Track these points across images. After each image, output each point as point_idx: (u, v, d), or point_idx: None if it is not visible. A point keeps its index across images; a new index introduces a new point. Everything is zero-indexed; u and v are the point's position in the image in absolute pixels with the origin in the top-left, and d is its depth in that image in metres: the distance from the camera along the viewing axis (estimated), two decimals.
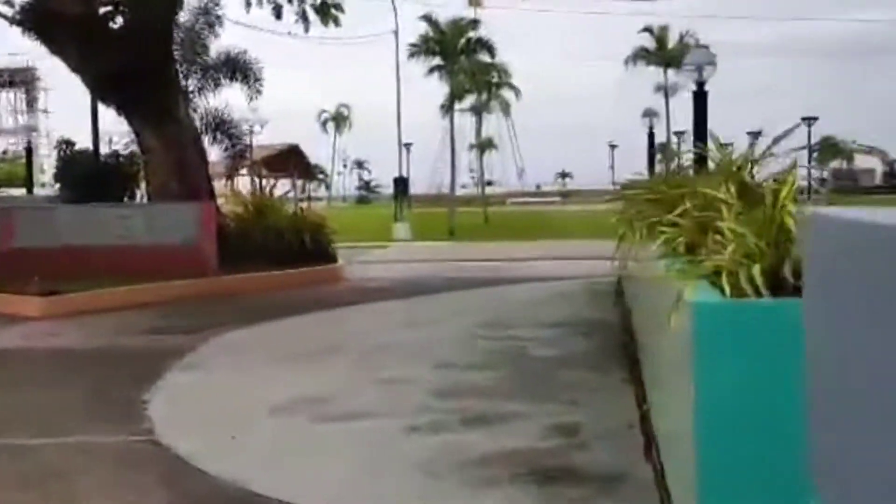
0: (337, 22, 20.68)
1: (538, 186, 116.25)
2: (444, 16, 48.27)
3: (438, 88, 50.24)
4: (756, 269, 4.45)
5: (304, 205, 28.42)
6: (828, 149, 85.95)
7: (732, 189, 6.91)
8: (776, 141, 7.31)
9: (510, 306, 15.70)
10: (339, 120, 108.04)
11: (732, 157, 7.24)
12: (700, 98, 11.18)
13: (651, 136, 23.62)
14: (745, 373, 4.27)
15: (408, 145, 50.56)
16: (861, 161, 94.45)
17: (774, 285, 4.45)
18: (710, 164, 8.77)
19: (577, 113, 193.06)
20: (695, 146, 10.32)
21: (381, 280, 20.19)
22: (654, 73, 61.89)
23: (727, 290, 4.42)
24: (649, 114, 24.61)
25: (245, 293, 16.82)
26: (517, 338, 12.13)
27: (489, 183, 79.05)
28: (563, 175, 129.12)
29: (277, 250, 19.15)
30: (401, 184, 42.80)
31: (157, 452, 7.23)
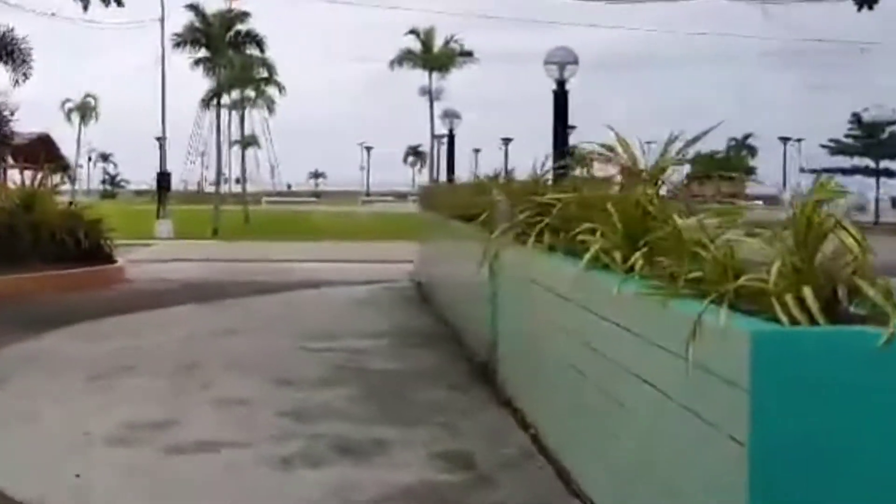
0: (120, 2, 19.13)
1: (289, 186, 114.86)
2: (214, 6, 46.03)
3: (193, 81, 48.25)
4: (808, 292, 3.82)
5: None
6: (575, 157, 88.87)
7: (655, 199, 6.38)
8: (688, 144, 6.84)
9: (322, 313, 14.74)
10: (85, 110, 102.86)
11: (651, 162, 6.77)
12: (561, 98, 10.64)
13: (451, 138, 22.79)
14: (814, 411, 3.67)
15: (162, 140, 48.32)
16: (601, 170, 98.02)
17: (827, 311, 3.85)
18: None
19: (330, 112, 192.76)
20: (555, 151, 9.77)
21: (167, 282, 18.73)
22: (418, 76, 61.70)
23: (782, 317, 3.77)
24: (450, 114, 23.43)
25: (21, 297, 15.09)
26: (348, 349, 11.24)
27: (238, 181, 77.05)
28: (317, 175, 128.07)
29: (51, 249, 17.53)
30: (164, 179, 40.84)
31: None
